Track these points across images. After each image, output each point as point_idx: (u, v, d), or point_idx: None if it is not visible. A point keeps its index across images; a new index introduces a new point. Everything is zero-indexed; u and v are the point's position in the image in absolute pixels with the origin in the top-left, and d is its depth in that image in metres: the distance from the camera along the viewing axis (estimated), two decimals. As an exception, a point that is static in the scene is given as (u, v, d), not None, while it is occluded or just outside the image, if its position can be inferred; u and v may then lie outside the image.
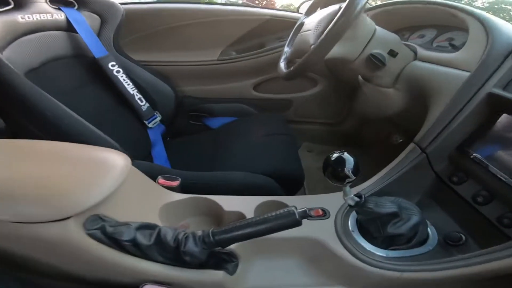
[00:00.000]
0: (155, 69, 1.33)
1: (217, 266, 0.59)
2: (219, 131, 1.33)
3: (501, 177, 0.66)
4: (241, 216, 0.76)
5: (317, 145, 1.60)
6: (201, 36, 1.46)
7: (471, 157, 0.75)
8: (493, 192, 0.68)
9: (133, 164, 0.65)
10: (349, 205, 0.68)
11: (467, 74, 0.80)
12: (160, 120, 1.28)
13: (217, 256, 0.59)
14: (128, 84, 1.16)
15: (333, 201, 0.79)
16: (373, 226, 0.70)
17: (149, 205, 0.70)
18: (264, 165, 0.99)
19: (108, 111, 1.11)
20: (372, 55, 0.94)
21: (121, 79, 1.14)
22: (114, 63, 1.13)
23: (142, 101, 1.21)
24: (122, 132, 1.07)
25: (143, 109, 1.21)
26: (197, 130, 1.43)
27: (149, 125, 1.24)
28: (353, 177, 0.64)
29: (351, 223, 0.75)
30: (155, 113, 1.26)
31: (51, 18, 0.98)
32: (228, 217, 0.75)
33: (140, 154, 1.16)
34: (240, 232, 0.55)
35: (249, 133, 1.22)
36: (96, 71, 1.10)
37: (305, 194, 1.29)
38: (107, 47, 1.15)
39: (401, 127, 1.25)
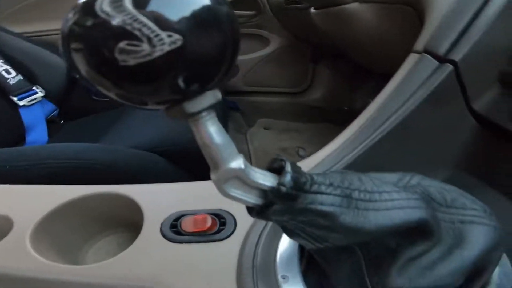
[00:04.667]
0: (45, 39, 1.04)
1: None
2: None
3: None
4: (7, 224, 0.31)
5: (277, 121, 1.11)
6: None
7: None
8: None
9: None
10: (248, 210, 0.18)
11: None
12: (46, 97, 0.94)
13: None
14: (-10, 56, 0.86)
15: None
16: (345, 268, 0.21)
17: None
18: (147, 137, 0.50)
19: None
20: None
21: (-22, 50, 0.86)
22: (-31, 34, 0.87)
23: (9, 73, 0.89)
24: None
25: (11, 83, 0.88)
26: (105, 108, 0.95)
27: (21, 103, 0.92)
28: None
29: (285, 253, 0.26)
30: (33, 88, 0.92)
31: None
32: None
33: (5, 139, 0.85)
34: None
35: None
36: None
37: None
38: None
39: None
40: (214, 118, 0.15)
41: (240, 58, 1.13)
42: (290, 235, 0.20)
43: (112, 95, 0.14)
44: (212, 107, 0.15)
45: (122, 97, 0.14)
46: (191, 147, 0.51)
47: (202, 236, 0.27)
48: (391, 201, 0.18)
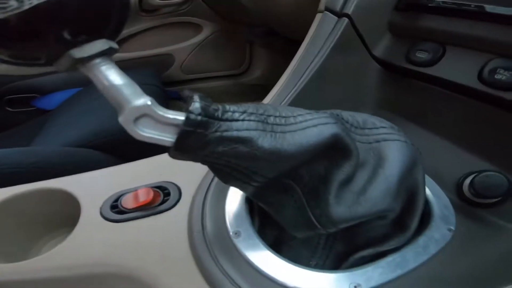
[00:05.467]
0: None
1: None
2: (57, 112, 0.80)
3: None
4: None
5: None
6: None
7: (437, 7, 0.33)
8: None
9: None
10: (168, 151, 0.17)
11: None
12: None
13: None
14: None
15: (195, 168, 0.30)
16: (289, 209, 0.22)
17: None
18: (79, 134, 0.48)
19: None
20: None
21: None
22: None
23: None
24: None
25: None
26: (24, 119, 0.86)
27: None
28: None
29: (233, 210, 0.27)
30: None
31: None
32: None
33: None
34: None
35: (94, 100, 0.69)
36: None
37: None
38: None
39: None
40: (111, 64, 0.16)
41: (174, 47, 1.09)
42: (223, 177, 0.21)
43: (5, 57, 0.14)
44: (106, 55, 0.15)
45: (15, 57, 0.14)
46: (126, 136, 0.49)
47: (147, 210, 0.27)
48: (305, 121, 0.19)
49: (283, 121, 0.19)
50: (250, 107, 0.19)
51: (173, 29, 1.08)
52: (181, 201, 0.29)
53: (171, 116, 0.16)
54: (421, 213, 0.25)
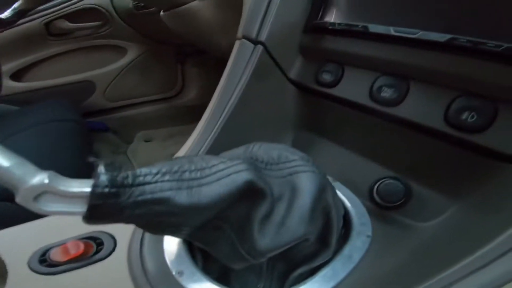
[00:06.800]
0: None
1: None
2: None
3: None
4: None
5: (157, 131, 1.08)
6: None
7: (333, 28, 0.37)
8: (411, 74, 0.32)
9: None
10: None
11: None
12: None
13: None
14: None
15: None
16: (224, 246, 0.24)
17: None
18: None
19: None
20: None
21: None
22: None
23: None
24: None
25: None
26: None
27: None
28: None
29: (173, 250, 0.28)
30: None
31: None
32: None
33: None
34: None
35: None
36: None
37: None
38: None
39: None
40: None
41: (94, 73, 1.03)
42: (151, 230, 0.21)
43: None
44: None
45: None
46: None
47: (81, 261, 0.26)
48: (220, 171, 0.20)
49: (198, 174, 0.20)
50: (164, 166, 0.19)
51: (92, 53, 1.01)
52: (117, 248, 0.28)
53: (76, 190, 0.16)
54: (339, 229, 0.28)
